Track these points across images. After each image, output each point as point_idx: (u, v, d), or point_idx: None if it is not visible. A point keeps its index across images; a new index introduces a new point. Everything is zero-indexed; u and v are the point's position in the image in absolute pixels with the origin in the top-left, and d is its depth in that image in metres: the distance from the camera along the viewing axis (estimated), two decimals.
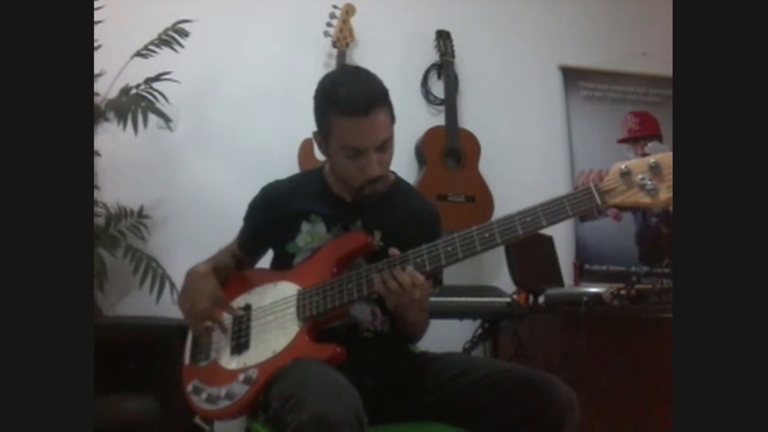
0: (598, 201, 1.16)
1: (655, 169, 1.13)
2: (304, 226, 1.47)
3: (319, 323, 1.36)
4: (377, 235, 1.44)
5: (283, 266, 1.48)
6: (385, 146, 1.37)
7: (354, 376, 1.22)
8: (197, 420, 1.39)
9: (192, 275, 1.47)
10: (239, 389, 1.32)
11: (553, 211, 1.19)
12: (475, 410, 1.28)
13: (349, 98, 1.32)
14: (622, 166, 1.16)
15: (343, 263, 1.40)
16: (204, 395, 1.37)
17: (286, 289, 1.42)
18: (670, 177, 1.11)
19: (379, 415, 1.28)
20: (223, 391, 1.34)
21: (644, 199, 1.14)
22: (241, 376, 1.33)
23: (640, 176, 1.14)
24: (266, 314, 1.41)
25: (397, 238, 1.43)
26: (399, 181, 1.54)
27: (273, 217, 1.52)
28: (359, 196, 1.44)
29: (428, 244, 1.28)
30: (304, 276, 1.41)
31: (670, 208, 1.12)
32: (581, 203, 1.18)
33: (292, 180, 1.60)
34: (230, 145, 2.74)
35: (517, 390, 1.24)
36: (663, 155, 1.13)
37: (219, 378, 1.37)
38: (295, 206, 1.49)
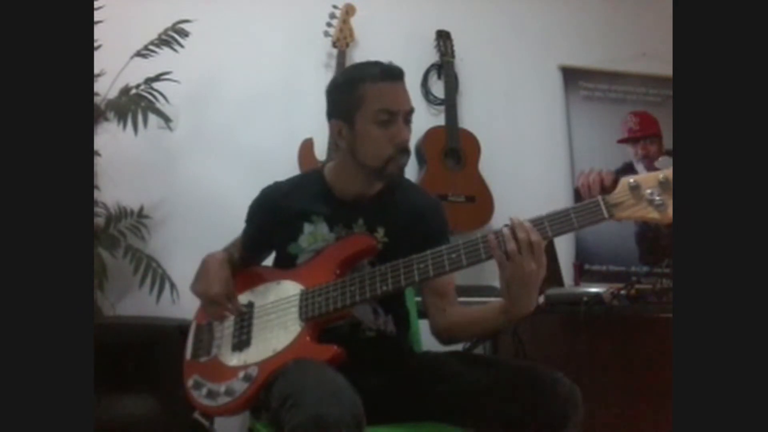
0: (606, 215, 1.16)
1: (664, 185, 1.13)
2: (306, 228, 1.47)
3: (321, 324, 1.36)
4: (380, 231, 1.45)
5: (286, 267, 1.49)
6: (410, 118, 1.43)
7: (355, 375, 1.22)
8: (197, 415, 1.40)
9: (209, 261, 1.48)
10: (239, 386, 1.32)
11: (560, 222, 1.19)
12: (477, 408, 1.28)
13: (382, 68, 1.42)
14: (631, 180, 1.15)
15: (346, 265, 1.40)
16: (204, 390, 1.37)
17: (289, 289, 1.42)
18: None
19: (381, 415, 1.28)
20: (222, 388, 1.34)
21: (652, 214, 1.13)
22: (241, 374, 1.33)
23: (649, 191, 1.13)
24: (268, 312, 1.41)
25: (400, 233, 1.44)
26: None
27: (273, 219, 1.52)
28: (382, 177, 1.43)
29: (432, 250, 1.28)
30: (307, 276, 1.41)
31: None
32: (588, 216, 1.17)
33: (291, 181, 1.60)
34: (230, 145, 2.74)
35: (520, 387, 1.24)
36: (672, 170, 1.12)
37: (219, 374, 1.37)
38: (295, 207, 1.49)
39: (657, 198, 1.12)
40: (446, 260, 1.26)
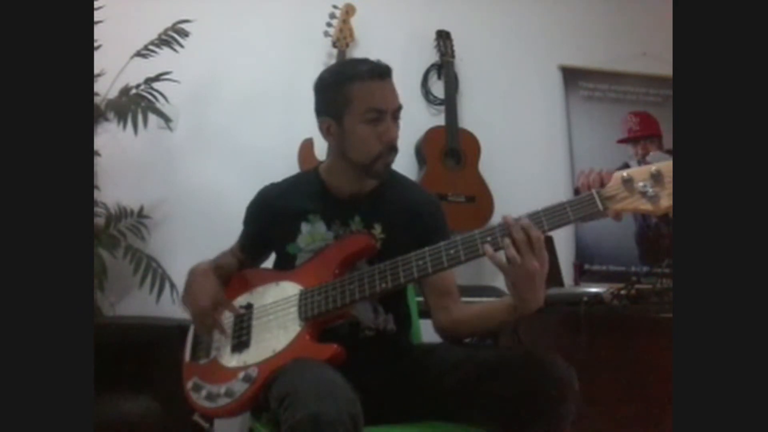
0: (600, 207, 1.18)
1: (656, 177, 1.15)
2: (304, 227, 1.47)
3: (321, 323, 1.36)
4: (377, 228, 1.45)
5: (285, 268, 1.49)
6: (398, 115, 1.43)
7: (355, 375, 1.22)
8: (196, 417, 1.39)
9: (192, 274, 1.49)
10: (239, 387, 1.32)
11: (556, 216, 1.21)
12: (476, 397, 1.27)
13: (369, 66, 1.42)
14: (624, 174, 1.18)
15: (345, 264, 1.40)
16: (204, 392, 1.37)
17: (288, 289, 1.42)
18: (671, 185, 1.13)
19: (381, 415, 1.28)
20: (222, 389, 1.34)
21: (645, 206, 1.16)
22: (241, 375, 1.33)
23: (641, 183, 1.16)
24: (267, 313, 1.41)
25: (397, 229, 1.45)
26: (394, 174, 1.54)
27: (271, 220, 1.52)
28: (371, 175, 1.44)
29: (431, 247, 1.28)
30: (306, 276, 1.41)
31: (671, 215, 1.13)
32: (583, 209, 1.19)
33: (287, 181, 1.60)
34: (230, 145, 2.74)
35: (515, 370, 1.24)
36: (664, 164, 1.15)
37: (219, 376, 1.37)
38: (292, 207, 1.49)
39: (650, 190, 1.15)
40: (444, 256, 1.26)
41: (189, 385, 1.42)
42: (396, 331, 1.48)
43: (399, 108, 1.43)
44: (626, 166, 3.12)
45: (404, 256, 1.30)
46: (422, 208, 1.51)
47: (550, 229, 1.21)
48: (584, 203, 1.19)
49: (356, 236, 1.44)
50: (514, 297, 1.25)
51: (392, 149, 1.43)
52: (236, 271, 1.56)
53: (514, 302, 1.25)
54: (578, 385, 1.21)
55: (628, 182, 1.17)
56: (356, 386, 1.17)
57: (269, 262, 1.60)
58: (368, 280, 1.32)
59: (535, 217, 1.21)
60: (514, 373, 1.23)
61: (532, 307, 1.24)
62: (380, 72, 1.41)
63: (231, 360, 1.39)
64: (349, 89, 1.40)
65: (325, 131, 1.47)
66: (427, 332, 1.72)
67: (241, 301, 1.48)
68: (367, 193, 1.49)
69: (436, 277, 1.39)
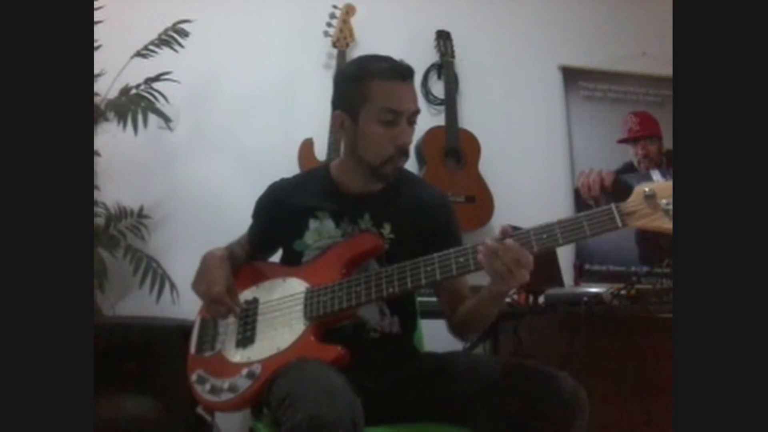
0: (620, 223, 1.13)
1: None
2: (312, 224, 1.46)
3: (326, 323, 1.35)
4: (387, 227, 1.44)
5: (292, 264, 1.48)
6: (413, 119, 1.42)
7: (358, 376, 1.21)
8: (199, 410, 1.39)
9: (208, 258, 1.48)
10: (242, 383, 1.32)
11: (571, 230, 1.17)
12: (481, 408, 1.27)
13: (391, 66, 1.41)
14: (646, 189, 1.13)
15: (352, 264, 1.39)
16: (207, 386, 1.37)
17: (295, 286, 1.41)
18: None
19: (383, 416, 1.28)
20: (226, 384, 1.34)
21: (668, 225, 1.10)
22: (245, 371, 1.33)
23: (664, 201, 1.11)
24: (273, 310, 1.41)
25: (407, 229, 1.44)
26: (404, 172, 1.53)
27: (279, 215, 1.52)
28: (378, 176, 1.43)
29: (440, 253, 1.28)
30: (313, 274, 1.41)
31: None
32: (601, 224, 1.15)
33: (297, 178, 1.61)
34: (230, 145, 2.74)
35: (522, 386, 1.23)
36: None
37: (223, 370, 1.37)
38: (301, 203, 1.49)
39: (672, 208, 1.10)
40: (453, 263, 1.25)
41: (193, 377, 1.41)
42: (401, 334, 1.47)
43: (416, 112, 1.41)
44: (627, 165, 3.12)
45: (413, 260, 1.30)
46: (432, 206, 1.50)
47: (565, 243, 1.18)
48: (602, 218, 1.15)
49: (365, 236, 1.43)
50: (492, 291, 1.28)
51: (404, 153, 1.41)
52: (245, 262, 1.56)
53: (492, 293, 1.29)
54: (588, 405, 1.20)
55: (650, 198, 1.11)
56: (359, 387, 1.17)
57: (276, 257, 1.60)
58: (375, 283, 1.31)
59: (549, 229, 1.18)
60: (522, 389, 1.22)
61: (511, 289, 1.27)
62: (402, 73, 1.40)
63: (235, 355, 1.38)
64: (368, 86, 1.38)
65: (339, 126, 1.45)
66: (428, 332, 1.72)
67: (247, 294, 1.47)
68: (378, 192, 1.47)
69: (448, 282, 1.38)
